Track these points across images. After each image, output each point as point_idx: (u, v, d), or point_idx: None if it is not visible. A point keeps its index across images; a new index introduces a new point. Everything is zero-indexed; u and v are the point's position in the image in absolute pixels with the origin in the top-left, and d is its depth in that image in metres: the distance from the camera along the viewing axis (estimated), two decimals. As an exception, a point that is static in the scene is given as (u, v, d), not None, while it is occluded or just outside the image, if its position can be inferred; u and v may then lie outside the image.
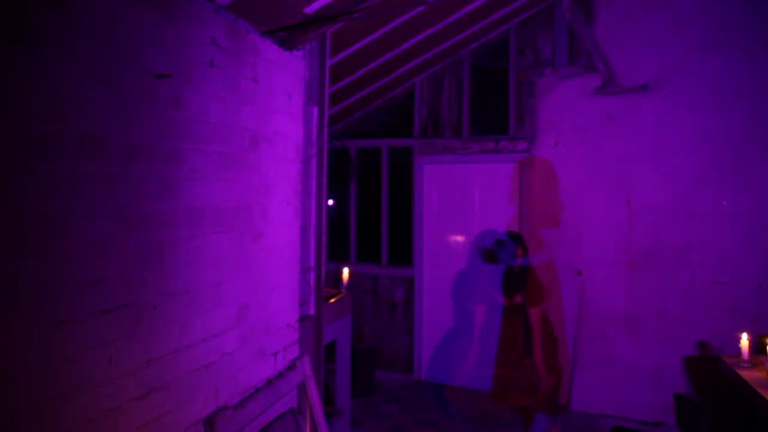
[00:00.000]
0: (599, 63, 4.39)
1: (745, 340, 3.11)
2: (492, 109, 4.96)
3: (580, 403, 4.52)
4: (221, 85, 2.30)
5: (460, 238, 5.14)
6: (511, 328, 3.85)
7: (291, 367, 2.83)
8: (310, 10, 2.67)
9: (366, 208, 5.58)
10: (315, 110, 3.14)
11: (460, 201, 5.12)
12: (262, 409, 2.47)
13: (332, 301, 3.76)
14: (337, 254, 5.55)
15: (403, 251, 5.36)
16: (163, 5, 1.97)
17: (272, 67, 2.69)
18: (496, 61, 4.94)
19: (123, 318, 1.80)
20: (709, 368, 3.95)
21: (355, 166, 5.57)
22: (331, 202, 5.63)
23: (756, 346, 3.22)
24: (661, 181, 4.32)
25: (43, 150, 1.52)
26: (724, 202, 4.13)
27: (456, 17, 4.04)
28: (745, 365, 3.06)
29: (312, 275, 3.18)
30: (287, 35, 2.76)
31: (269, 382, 2.65)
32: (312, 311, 3.18)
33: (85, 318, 1.65)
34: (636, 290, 4.40)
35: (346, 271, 4.42)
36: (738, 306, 4.04)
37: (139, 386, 1.86)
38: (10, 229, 1.44)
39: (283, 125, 2.81)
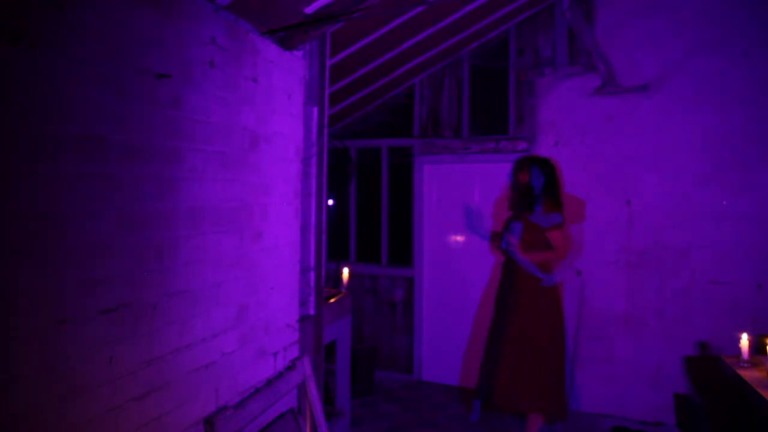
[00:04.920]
0: (599, 63, 4.39)
1: (745, 340, 3.11)
2: (492, 109, 4.96)
3: (580, 403, 4.52)
4: (221, 85, 2.30)
5: (460, 238, 5.14)
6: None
7: (291, 367, 2.83)
8: (310, 10, 2.67)
9: (366, 208, 5.57)
10: (315, 110, 3.14)
11: (460, 201, 5.11)
12: (262, 409, 2.47)
13: (332, 301, 3.76)
14: (337, 254, 5.55)
15: (403, 251, 5.36)
16: (163, 5, 1.97)
17: (272, 67, 2.69)
18: (496, 61, 4.94)
19: (123, 318, 1.80)
20: (709, 368, 3.95)
21: (355, 166, 5.57)
22: (331, 202, 5.63)
23: (756, 346, 3.22)
24: (661, 181, 4.32)
25: (43, 150, 1.52)
26: (724, 202, 4.13)
27: (456, 17, 4.04)
28: (745, 365, 3.06)
29: (312, 275, 3.18)
30: (287, 35, 2.76)
31: (269, 382, 2.65)
32: (312, 311, 3.18)
33: (85, 318, 1.65)
34: (636, 290, 4.40)
35: (346, 271, 4.42)
36: (738, 306, 4.04)
37: (139, 386, 1.86)
38: (10, 229, 1.44)
39: (283, 125, 2.81)
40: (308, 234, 3.14)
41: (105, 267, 1.73)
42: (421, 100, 5.22)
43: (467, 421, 4.29)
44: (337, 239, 5.56)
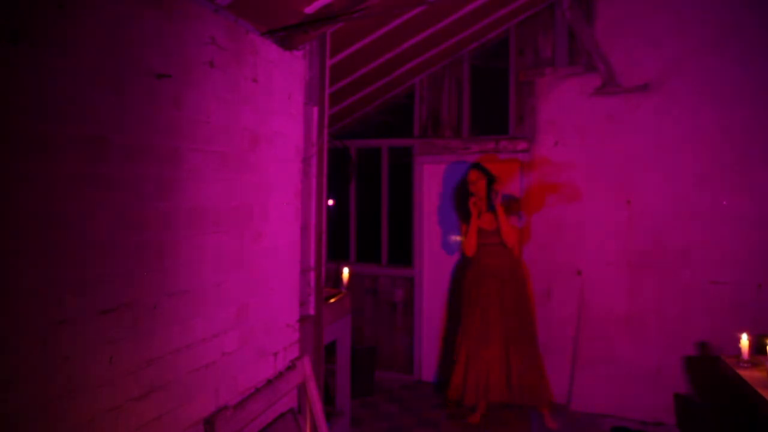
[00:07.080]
0: (599, 63, 4.39)
1: (745, 340, 3.11)
2: (492, 109, 4.96)
3: (580, 403, 4.52)
4: (221, 85, 2.30)
5: (459, 238, 5.13)
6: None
7: (291, 367, 2.83)
8: (310, 10, 2.67)
9: (366, 208, 5.57)
10: (315, 110, 3.14)
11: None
12: (262, 409, 2.47)
13: (332, 301, 3.76)
14: (337, 254, 5.54)
15: (403, 251, 5.36)
16: (163, 5, 1.97)
17: (272, 67, 2.69)
18: (496, 61, 4.94)
19: (123, 318, 1.80)
20: (709, 368, 3.95)
21: (355, 166, 5.57)
22: (331, 202, 5.63)
23: (756, 346, 3.22)
24: (661, 181, 4.32)
25: (43, 150, 1.52)
26: (724, 203, 4.13)
27: (456, 17, 4.04)
28: (745, 365, 3.06)
29: (312, 275, 3.18)
30: (287, 35, 2.76)
31: (269, 382, 2.65)
32: (312, 311, 3.18)
33: (85, 318, 1.65)
34: (636, 290, 4.40)
35: (346, 271, 4.42)
36: (738, 306, 4.04)
37: (139, 386, 1.86)
38: (10, 230, 1.44)
39: (283, 125, 2.81)
40: (308, 234, 3.14)
41: (105, 267, 1.73)
42: (421, 100, 5.22)
43: (467, 421, 4.29)
44: (337, 239, 5.56)
